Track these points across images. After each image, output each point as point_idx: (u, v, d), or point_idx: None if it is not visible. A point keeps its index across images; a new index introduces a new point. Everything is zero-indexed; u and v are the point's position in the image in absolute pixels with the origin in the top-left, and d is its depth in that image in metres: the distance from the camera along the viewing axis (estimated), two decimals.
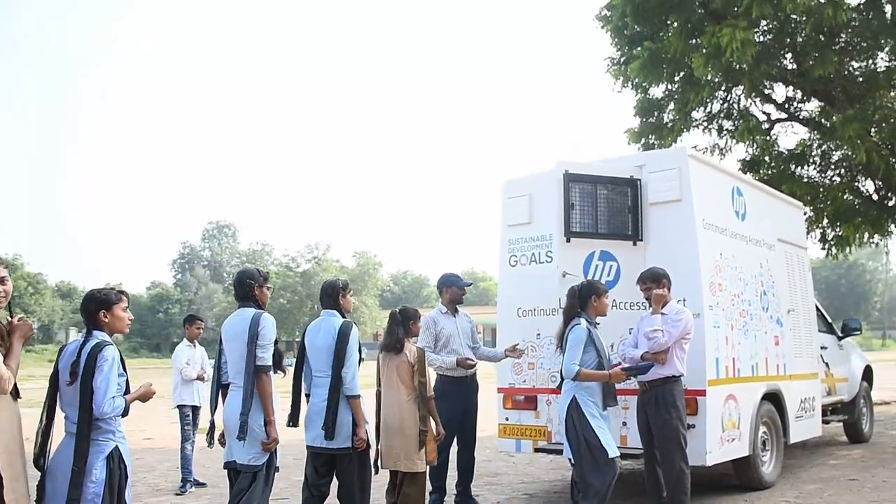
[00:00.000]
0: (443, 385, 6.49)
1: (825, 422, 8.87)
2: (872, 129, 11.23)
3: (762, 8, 10.19)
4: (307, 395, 5.24)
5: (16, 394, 3.66)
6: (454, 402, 6.49)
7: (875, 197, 13.27)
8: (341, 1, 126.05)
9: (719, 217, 6.71)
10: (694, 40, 11.80)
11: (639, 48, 12.31)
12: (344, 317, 5.27)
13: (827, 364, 9.13)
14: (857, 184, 13.36)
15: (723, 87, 13.24)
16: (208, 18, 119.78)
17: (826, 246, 13.89)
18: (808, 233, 13.00)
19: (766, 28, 12.02)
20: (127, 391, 3.89)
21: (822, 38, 11.63)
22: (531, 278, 6.82)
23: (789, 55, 12.51)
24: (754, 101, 13.63)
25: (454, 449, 6.70)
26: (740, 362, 6.65)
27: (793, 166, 13.23)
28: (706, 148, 14.27)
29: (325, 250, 63.95)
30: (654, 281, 5.88)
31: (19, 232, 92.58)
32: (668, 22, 12.68)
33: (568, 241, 6.39)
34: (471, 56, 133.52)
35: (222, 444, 4.74)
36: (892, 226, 13.48)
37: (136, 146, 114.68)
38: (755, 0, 10.11)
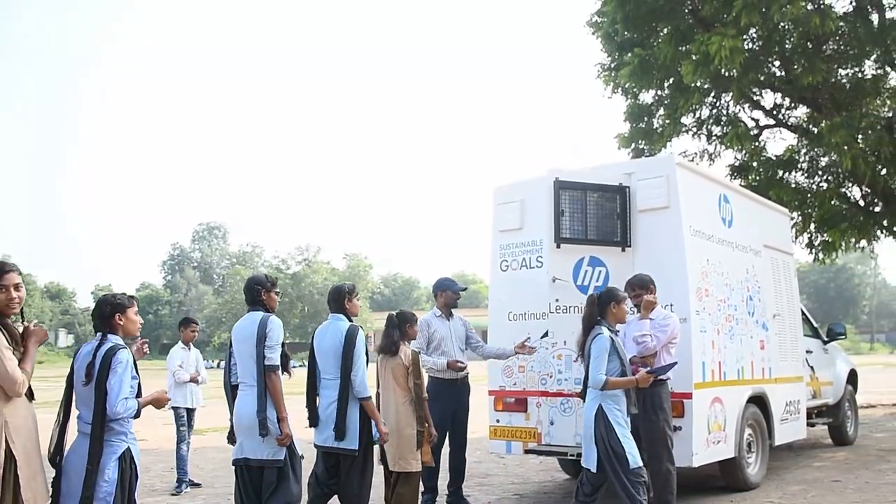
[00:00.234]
0: (434, 387, 6.58)
1: (810, 425, 9.01)
2: (859, 137, 11.35)
3: (751, 16, 10.34)
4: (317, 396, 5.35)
5: (31, 395, 3.79)
6: (445, 403, 6.60)
7: (861, 203, 13.43)
8: (338, 4, 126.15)
9: (706, 224, 6.82)
10: (683, 47, 11.90)
11: (629, 54, 12.40)
12: (351, 320, 5.39)
13: (812, 368, 9.25)
14: (843, 190, 13.48)
15: (712, 94, 13.36)
16: (208, 18, 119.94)
17: (813, 251, 14.03)
18: (795, 238, 13.18)
19: (754, 36, 12.15)
20: (139, 394, 4.01)
21: (810, 46, 11.81)
22: (522, 283, 6.92)
23: (777, 63, 12.65)
24: (743, 108, 13.77)
25: (446, 450, 6.79)
26: (726, 366, 6.77)
27: (781, 172, 13.32)
28: (695, 153, 14.42)
29: (315, 252, 63.99)
30: (643, 287, 5.98)
31: (13, 232, 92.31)
32: (658, 29, 12.84)
33: (558, 246, 6.51)
34: (462, 58, 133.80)
35: (231, 442, 4.86)
36: (879, 231, 13.64)
37: (127, 147, 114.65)
38: (744, 8, 10.26)
